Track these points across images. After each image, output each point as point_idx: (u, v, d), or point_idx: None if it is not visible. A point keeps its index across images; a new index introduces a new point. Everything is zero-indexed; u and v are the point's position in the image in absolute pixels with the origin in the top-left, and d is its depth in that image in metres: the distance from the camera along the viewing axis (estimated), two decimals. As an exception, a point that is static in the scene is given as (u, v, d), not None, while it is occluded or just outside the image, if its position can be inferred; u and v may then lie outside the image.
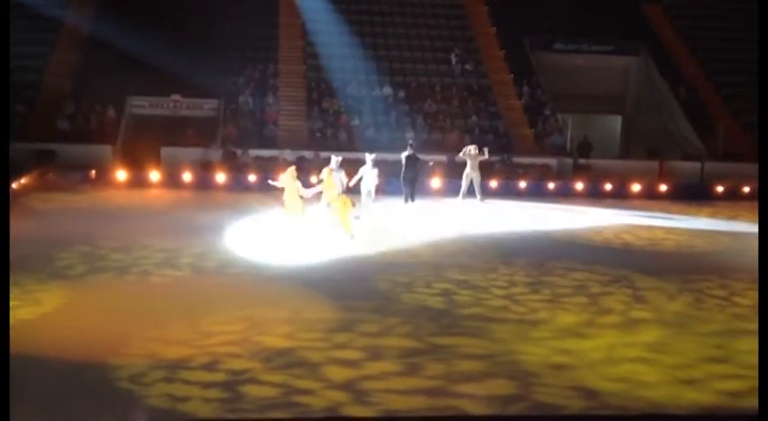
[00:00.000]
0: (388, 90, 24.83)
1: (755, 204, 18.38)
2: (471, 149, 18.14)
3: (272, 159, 21.17)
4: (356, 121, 23.70)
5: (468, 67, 26.29)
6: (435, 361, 7.58)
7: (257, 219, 15.54)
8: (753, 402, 6.77)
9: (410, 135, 21.60)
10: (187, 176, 19.71)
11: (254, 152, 21.62)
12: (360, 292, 10.10)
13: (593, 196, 20.30)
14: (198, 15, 24.89)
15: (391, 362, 7.54)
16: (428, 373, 7.26)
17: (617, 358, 7.88)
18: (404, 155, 17.42)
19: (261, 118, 23.76)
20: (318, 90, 24.86)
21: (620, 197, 20.36)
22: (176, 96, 23.36)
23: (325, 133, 23.41)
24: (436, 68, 26.32)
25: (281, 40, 26.66)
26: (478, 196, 18.07)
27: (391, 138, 22.97)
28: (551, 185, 20.76)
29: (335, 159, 15.26)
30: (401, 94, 24.79)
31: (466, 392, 6.84)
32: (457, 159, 18.54)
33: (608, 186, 20.81)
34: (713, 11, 29.33)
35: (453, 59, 26.42)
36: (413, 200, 17.15)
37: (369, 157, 16.11)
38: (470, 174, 17.97)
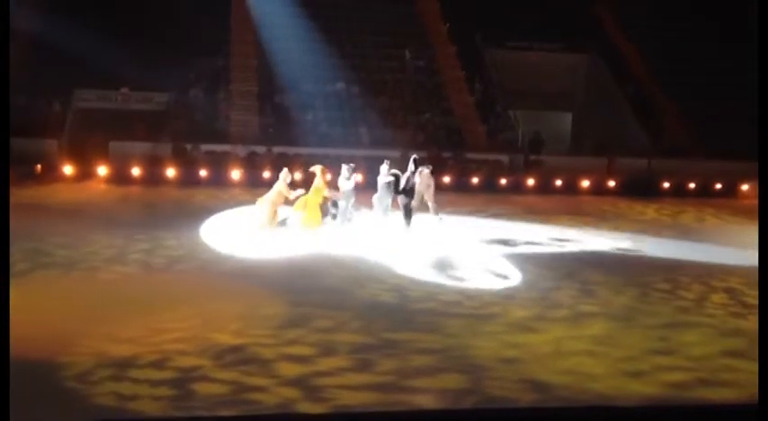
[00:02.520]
0: (341, 85, 24.75)
1: (700, 200, 18.92)
2: (424, 170, 15.06)
3: (224, 154, 20.96)
4: (309, 116, 23.59)
5: (420, 63, 26.36)
6: (388, 356, 7.59)
7: (207, 215, 15.35)
8: (696, 394, 6.97)
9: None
10: (135, 171, 19.36)
11: (204, 147, 21.35)
12: (312, 288, 10.06)
13: (544, 192, 20.55)
14: (148, 8, 24.47)
15: (343, 357, 7.53)
16: (380, 369, 7.27)
17: (566, 351, 8.00)
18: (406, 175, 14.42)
19: (212, 112, 23.48)
20: (271, 85, 24.66)
21: (569, 193, 20.64)
22: (124, 90, 22.93)
23: (277, 128, 23.24)
24: (389, 64, 26.32)
25: (233, 34, 26.35)
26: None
27: (344, 134, 22.96)
28: (503, 181, 20.95)
29: (347, 167, 13.94)
30: (354, 89, 24.74)
31: (418, 387, 6.87)
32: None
33: (558, 182, 21.09)
34: (660, 10, 29.90)
35: (406, 55, 26.46)
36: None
37: (383, 168, 14.17)
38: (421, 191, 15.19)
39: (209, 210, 15.92)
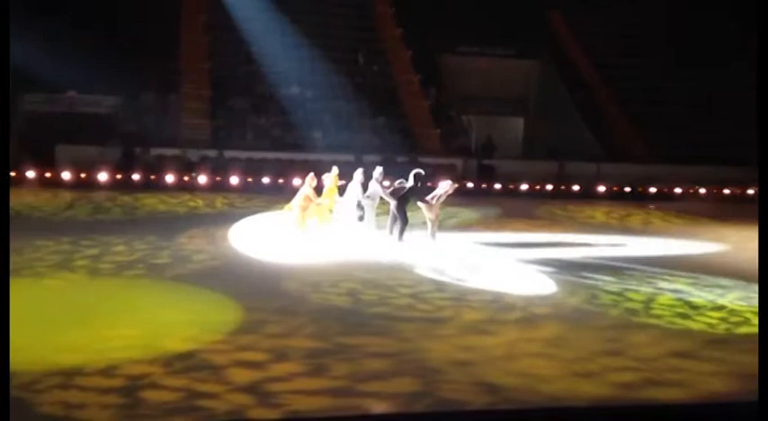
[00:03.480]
0: (295, 89, 24.68)
1: (647, 203, 19.26)
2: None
3: (174, 158, 20.70)
4: (263, 120, 23.45)
5: (375, 67, 26.43)
6: (341, 360, 7.56)
7: (157, 220, 15.15)
8: (645, 393, 7.08)
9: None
10: (83, 175, 19.00)
11: (155, 151, 21.07)
12: (265, 293, 9.98)
13: (498, 195, 20.76)
14: (97, 9, 24.05)
15: (297, 362, 7.48)
16: (334, 373, 7.24)
17: (518, 353, 8.06)
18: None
19: (163, 116, 23.18)
20: (224, 88, 24.46)
21: (522, 196, 20.89)
22: (72, 93, 22.50)
23: (230, 132, 23.05)
24: (344, 68, 26.32)
25: (184, 36, 26.08)
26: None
27: (298, 138, 22.90)
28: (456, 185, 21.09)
29: (379, 169, 13.82)
30: (309, 93, 24.67)
31: (371, 391, 6.85)
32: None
33: (510, 186, 21.33)
34: (610, 17, 30.49)
35: (361, 60, 26.50)
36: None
37: (376, 172, 13.97)
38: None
39: (158, 215, 15.71)
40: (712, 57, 28.13)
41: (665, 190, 21.94)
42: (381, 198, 13.85)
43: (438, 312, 9.50)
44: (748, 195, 22.05)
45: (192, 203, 17.80)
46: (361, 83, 25.81)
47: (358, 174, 13.85)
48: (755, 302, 10.36)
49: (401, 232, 13.47)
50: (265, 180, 19.95)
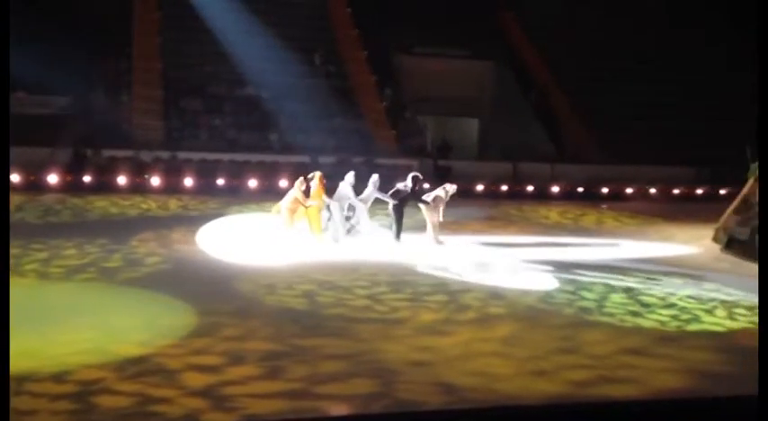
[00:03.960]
0: (250, 90, 24.49)
1: (600, 203, 19.54)
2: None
3: (127, 159, 20.38)
4: (217, 121, 23.23)
5: (331, 68, 26.37)
6: (298, 363, 7.52)
7: (108, 223, 14.90)
8: (598, 391, 7.19)
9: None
10: (33, 177, 18.58)
11: (106, 152, 20.71)
12: (220, 296, 9.88)
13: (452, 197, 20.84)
14: (47, 8, 23.55)
15: (252, 366, 7.42)
16: (290, 376, 7.20)
17: (474, 353, 8.12)
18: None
19: (114, 117, 22.80)
20: (177, 88, 24.16)
21: (477, 197, 21.04)
22: (21, 94, 21.98)
23: (183, 133, 22.78)
24: (299, 69, 26.20)
25: (136, 36, 25.69)
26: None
27: (253, 139, 22.75)
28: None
29: (374, 178, 13.84)
30: (264, 93, 24.51)
31: (328, 393, 6.84)
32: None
33: (467, 187, 21.46)
34: (563, 18, 30.91)
35: (317, 60, 26.42)
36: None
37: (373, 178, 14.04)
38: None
39: (110, 218, 15.45)
40: (664, 59, 28.71)
41: (617, 190, 22.32)
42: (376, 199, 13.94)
43: (395, 313, 9.52)
44: (696, 195, 22.58)
45: (144, 205, 17.54)
46: (316, 84, 25.72)
47: (349, 177, 13.79)
48: (705, 300, 10.63)
49: (397, 233, 13.62)
50: (220, 181, 19.77)
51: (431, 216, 13.95)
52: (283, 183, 20.03)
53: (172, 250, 12.87)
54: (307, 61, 26.43)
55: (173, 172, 19.77)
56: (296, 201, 13.32)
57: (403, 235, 13.81)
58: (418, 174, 14.22)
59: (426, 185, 14.35)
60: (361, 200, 13.81)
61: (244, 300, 9.84)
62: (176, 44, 25.10)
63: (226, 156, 21.04)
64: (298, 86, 25.28)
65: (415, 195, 13.81)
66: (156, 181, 19.24)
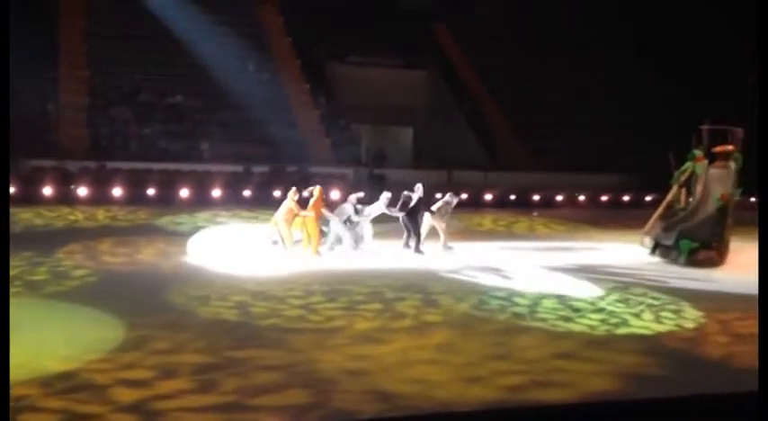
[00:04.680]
0: (181, 98, 24.11)
1: (532, 210, 19.89)
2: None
3: (53, 169, 19.78)
4: (146, 130, 22.78)
5: (264, 76, 26.19)
6: (231, 375, 7.40)
7: (33, 235, 14.43)
8: (531, 395, 7.29)
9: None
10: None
11: (32, 162, 20.07)
12: (150, 309, 9.66)
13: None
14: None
15: (184, 379, 7.27)
16: (223, 389, 7.08)
17: (410, 361, 8.14)
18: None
19: (40, 125, 22.12)
20: (105, 97, 23.60)
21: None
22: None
23: (112, 142, 22.26)
24: (232, 77, 25.93)
25: (63, 43, 25.02)
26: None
27: (184, 148, 22.39)
28: (337, 194, 21.04)
29: (387, 194, 13.79)
30: (195, 102, 24.16)
31: (262, 405, 6.75)
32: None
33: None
34: (494, 29, 31.46)
35: (250, 68, 26.20)
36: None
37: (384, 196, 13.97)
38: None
39: (35, 229, 14.97)
40: (593, 69, 29.46)
41: (548, 197, 22.76)
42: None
43: (330, 322, 9.47)
44: (623, 202, 23.20)
45: (71, 217, 17.05)
46: (249, 92, 25.49)
47: (353, 198, 13.81)
48: (633, 304, 10.90)
49: (417, 243, 13.85)
50: (150, 191, 19.38)
51: (439, 224, 14.34)
52: (216, 192, 19.83)
53: (100, 262, 12.55)
54: (240, 69, 26.19)
55: (101, 182, 19.29)
56: (291, 211, 13.17)
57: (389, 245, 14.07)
58: (420, 185, 14.31)
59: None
60: (364, 215, 13.75)
61: (175, 312, 9.64)
62: (105, 52, 24.54)
63: (156, 166, 20.63)
64: (230, 94, 25.03)
65: (424, 205, 14.08)
66: (83, 191, 18.74)
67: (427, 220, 14.28)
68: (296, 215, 13.15)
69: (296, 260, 13.03)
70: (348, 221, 13.61)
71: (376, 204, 13.91)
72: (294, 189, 13.49)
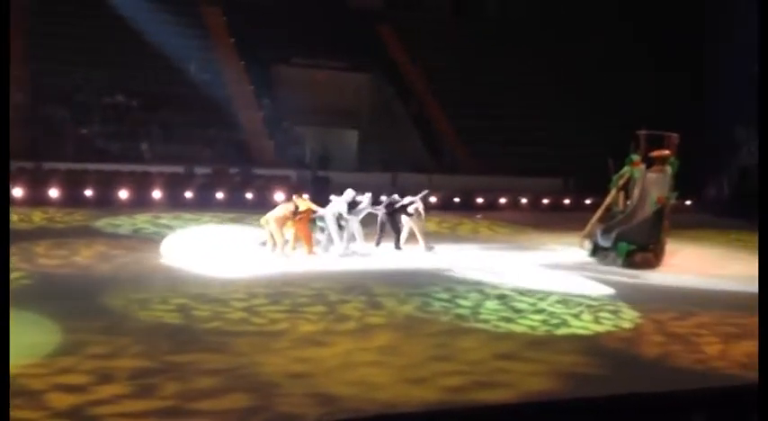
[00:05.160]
0: (120, 97, 23.61)
1: (475, 213, 20.07)
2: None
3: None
4: (84, 130, 22.24)
5: (206, 76, 25.85)
6: (171, 379, 7.28)
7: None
8: (473, 395, 7.36)
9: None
10: None
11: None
12: (87, 312, 9.43)
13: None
14: None
15: (123, 384, 7.12)
16: (163, 393, 6.96)
17: (353, 363, 8.13)
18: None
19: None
20: (42, 95, 22.96)
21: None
22: None
23: (49, 142, 21.66)
24: (174, 77, 25.55)
25: None
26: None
27: (124, 149, 21.96)
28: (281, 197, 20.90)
29: (368, 194, 14.52)
30: (135, 102, 23.71)
31: (203, 409, 6.66)
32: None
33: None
34: (439, 31, 31.68)
35: (192, 69, 25.84)
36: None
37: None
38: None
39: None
40: (536, 73, 29.91)
41: (491, 200, 23.01)
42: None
43: (273, 325, 9.40)
44: (564, 205, 23.62)
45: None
46: (191, 92, 25.14)
47: (348, 194, 14.15)
48: (573, 304, 11.10)
49: (397, 241, 14.61)
50: (88, 193, 18.95)
51: (417, 225, 14.85)
52: (156, 193, 19.49)
53: (35, 265, 12.21)
54: (181, 69, 25.81)
55: (37, 183, 18.76)
56: (285, 214, 13.38)
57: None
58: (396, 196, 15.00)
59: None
60: (353, 213, 14.11)
61: (114, 315, 9.44)
62: (42, 49, 23.89)
63: (94, 167, 20.16)
64: (171, 95, 24.64)
65: (403, 208, 14.65)
66: (18, 192, 18.20)
67: (407, 223, 14.82)
68: (288, 218, 13.37)
69: (287, 261, 13.14)
70: (340, 220, 13.95)
71: (361, 205, 14.35)
72: (295, 196, 13.99)
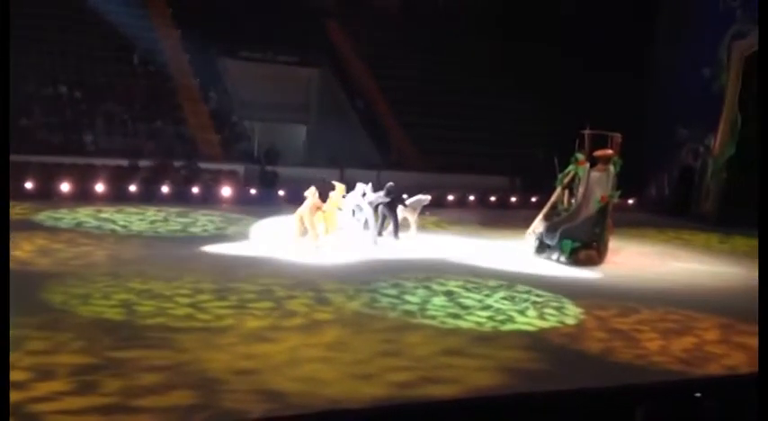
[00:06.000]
0: (62, 88, 23.01)
1: (424, 209, 20.10)
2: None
3: None
4: (24, 122, 21.62)
5: (151, 68, 25.39)
6: (113, 376, 7.14)
7: None
8: (420, 391, 7.39)
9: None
10: None
11: None
12: (26, 308, 9.13)
13: (275, 203, 20.76)
14: None
15: (63, 381, 6.96)
16: (104, 390, 6.82)
17: (300, 359, 8.09)
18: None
19: None
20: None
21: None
22: None
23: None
24: (117, 68, 25.03)
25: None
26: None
27: (66, 141, 21.41)
28: (228, 191, 20.73)
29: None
30: (78, 93, 23.14)
31: (145, 406, 6.55)
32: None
33: (297, 193, 21.38)
34: (386, 28, 31.67)
35: (136, 60, 25.34)
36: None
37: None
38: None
39: None
40: (484, 72, 30.15)
41: (439, 197, 23.10)
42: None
43: (218, 321, 9.29)
44: (511, 203, 23.89)
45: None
46: (136, 84, 24.66)
47: (361, 187, 15.44)
48: (518, 301, 11.25)
49: (396, 231, 15.79)
50: (28, 185, 18.43)
51: (411, 216, 16.24)
52: (99, 187, 19.09)
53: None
54: (125, 60, 25.29)
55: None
56: (314, 206, 14.15)
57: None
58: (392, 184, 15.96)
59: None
60: (369, 203, 15.36)
61: (54, 311, 9.21)
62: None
63: (35, 159, 19.61)
64: (115, 86, 24.12)
65: (399, 199, 15.94)
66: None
67: (401, 212, 16.04)
68: (318, 208, 14.21)
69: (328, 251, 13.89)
70: (356, 209, 15.35)
71: (373, 195, 15.46)
72: (313, 187, 14.51)
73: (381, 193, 15.46)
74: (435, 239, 16.62)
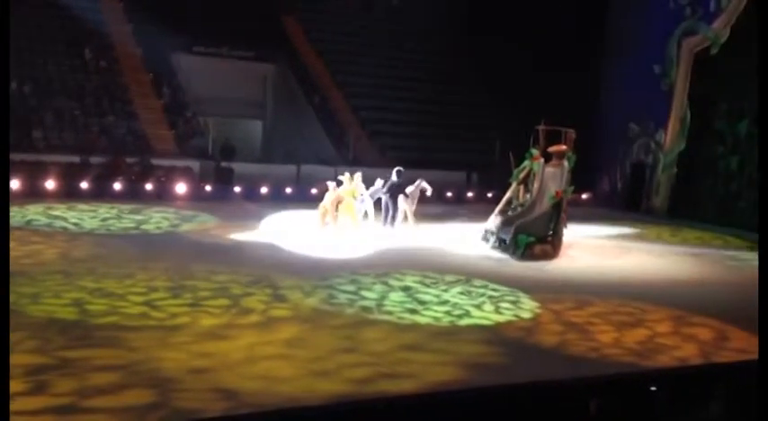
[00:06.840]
0: (12, 84, 22.46)
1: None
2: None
3: None
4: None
5: (102, 63, 24.94)
6: (65, 376, 7.00)
7: None
8: (378, 387, 7.39)
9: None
10: None
11: None
12: (-26, 308, 8.94)
13: (230, 200, 20.59)
14: None
15: (15, 381, 6.77)
16: (57, 390, 6.68)
17: (256, 357, 8.02)
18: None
19: None
20: None
21: (262, 199, 20.91)
22: None
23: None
24: (67, 63, 24.53)
25: None
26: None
27: (15, 137, 20.88)
28: (183, 188, 20.51)
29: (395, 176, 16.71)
30: (27, 88, 22.63)
31: (99, 406, 6.43)
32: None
33: (261, 190, 21.32)
34: (345, 23, 31.61)
35: (87, 55, 24.87)
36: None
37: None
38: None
39: None
40: (444, 68, 30.26)
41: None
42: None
43: (173, 320, 9.16)
44: (467, 198, 24.06)
45: None
46: (87, 79, 24.20)
47: (379, 182, 16.65)
48: (475, 295, 11.32)
49: (394, 219, 16.74)
50: (-25, 182, 17.96)
51: (409, 207, 16.84)
52: (50, 184, 18.71)
53: None
54: (75, 55, 24.80)
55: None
56: (336, 199, 15.46)
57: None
58: (401, 168, 16.96)
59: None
60: (386, 193, 16.52)
61: (3, 311, 8.97)
62: None
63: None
64: (65, 81, 23.64)
65: (400, 188, 16.68)
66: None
67: (401, 203, 16.71)
68: (340, 199, 15.46)
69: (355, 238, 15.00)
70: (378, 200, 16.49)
71: (374, 187, 16.58)
72: (333, 184, 15.90)
73: (380, 186, 16.53)
74: (399, 234, 16.65)
